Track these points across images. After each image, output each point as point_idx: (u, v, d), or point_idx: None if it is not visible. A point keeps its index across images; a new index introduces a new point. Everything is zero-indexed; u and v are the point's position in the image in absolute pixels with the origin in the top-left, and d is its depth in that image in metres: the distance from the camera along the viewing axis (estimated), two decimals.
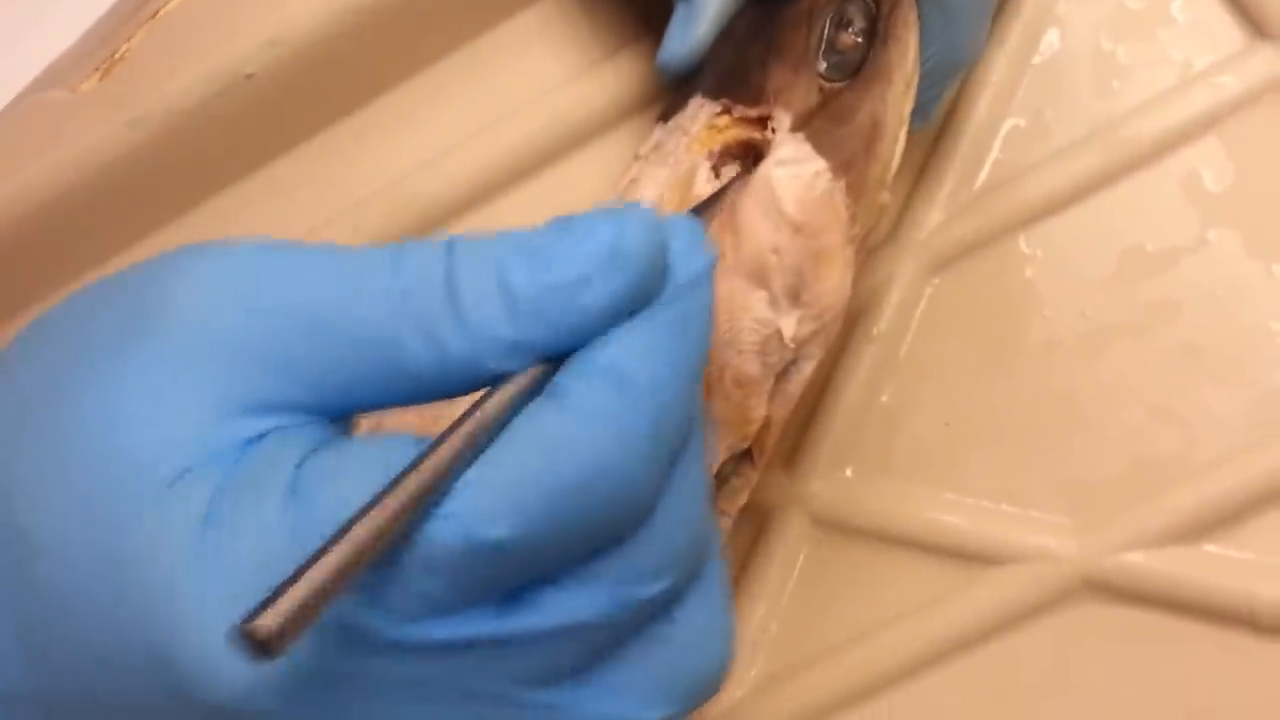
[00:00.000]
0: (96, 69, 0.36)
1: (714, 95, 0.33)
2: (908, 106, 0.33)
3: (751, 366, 0.31)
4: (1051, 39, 0.39)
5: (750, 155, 0.32)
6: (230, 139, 0.37)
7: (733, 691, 0.37)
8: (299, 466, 0.21)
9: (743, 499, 0.33)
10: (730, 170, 0.32)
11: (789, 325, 0.31)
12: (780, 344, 0.31)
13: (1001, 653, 0.36)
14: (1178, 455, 0.36)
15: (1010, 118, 0.39)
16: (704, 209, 0.28)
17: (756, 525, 0.37)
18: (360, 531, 0.20)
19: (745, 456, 0.32)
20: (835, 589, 0.37)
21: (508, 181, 0.38)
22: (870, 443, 0.37)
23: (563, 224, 0.23)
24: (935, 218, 0.38)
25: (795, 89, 0.32)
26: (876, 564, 0.37)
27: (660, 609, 0.23)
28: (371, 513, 0.20)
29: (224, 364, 0.22)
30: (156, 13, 0.36)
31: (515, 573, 0.21)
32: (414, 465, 0.21)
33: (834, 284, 0.31)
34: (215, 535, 0.21)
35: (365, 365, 0.22)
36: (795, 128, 0.31)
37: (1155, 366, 0.37)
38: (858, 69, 0.32)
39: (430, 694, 0.22)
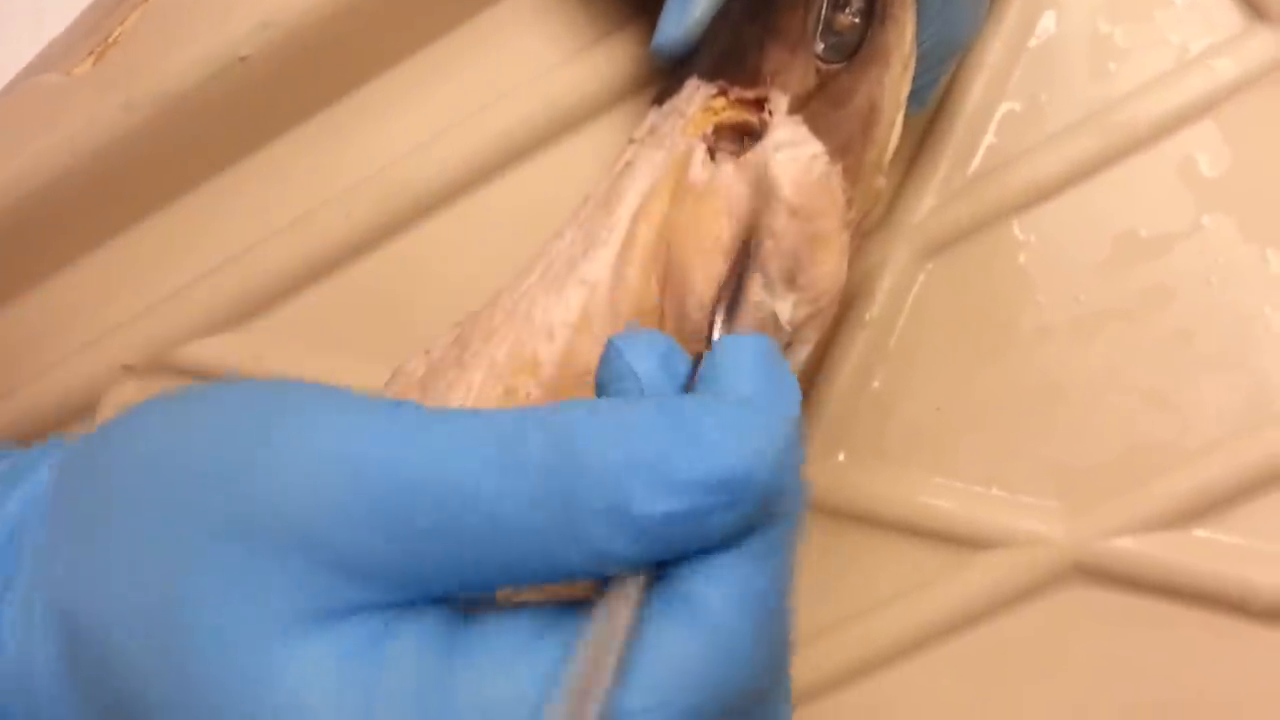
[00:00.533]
0: (90, 52, 0.36)
1: (710, 77, 0.33)
2: (905, 90, 0.33)
3: None
4: (1048, 22, 0.39)
5: (745, 137, 0.32)
6: (224, 122, 0.37)
7: None
8: (445, 654, 0.21)
9: None
10: (726, 152, 0.32)
11: (785, 309, 0.31)
12: (776, 327, 0.31)
13: (991, 636, 0.36)
14: (1169, 441, 0.36)
15: (1005, 102, 0.38)
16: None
17: None
18: None
19: None
20: (827, 573, 0.37)
21: (502, 165, 0.38)
22: (862, 428, 0.37)
23: (690, 429, 0.21)
24: (929, 203, 0.38)
25: (792, 71, 0.32)
26: (868, 548, 0.37)
27: None
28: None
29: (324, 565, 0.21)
30: None
31: None
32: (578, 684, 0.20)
33: (830, 268, 0.31)
34: None
35: (473, 554, 0.21)
36: (792, 110, 0.31)
37: (1147, 352, 0.37)
38: (855, 50, 0.32)
39: None
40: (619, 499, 0.21)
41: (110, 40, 0.36)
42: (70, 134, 0.35)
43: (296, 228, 0.38)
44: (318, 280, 0.38)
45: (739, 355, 0.24)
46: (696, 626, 0.21)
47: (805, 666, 0.37)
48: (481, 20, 0.38)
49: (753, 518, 0.22)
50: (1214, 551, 0.36)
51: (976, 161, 0.38)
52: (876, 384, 0.38)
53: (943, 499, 0.37)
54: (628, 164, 0.33)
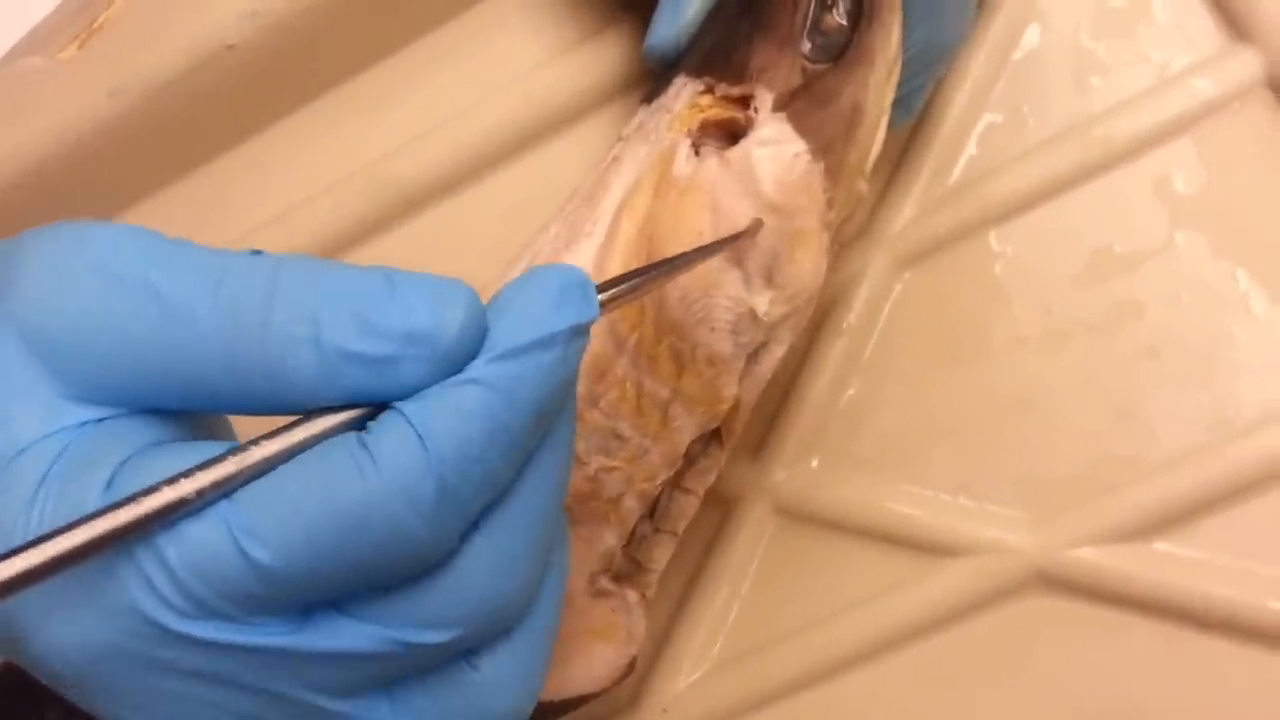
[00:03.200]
0: (76, 37, 0.35)
1: (697, 74, 0.33)
2: (889, 94, 0.33)
3: (724, 345, 0.31)
4: (1032, 35, 0.39)
5: (730, 134, 0.32)
6: (211, 111, 0.36)
7: (693, 672, 0.38)
8: (122, 464, 0.23)
9: (710, 479, 0.34)
10: (710, 147, 0.32)
11: (762, 304, 0.31)
12: (753, 323, 0.31)
13: (954, 642, 0.37)
14: (1134, 454, 0.37)
15: (987, 113, 0.39)
16: (619, 282, 0.27)
17: (721, 513, 0.38)
18: (108, 520, 0.21)
19: (714, 437, 0.33)
20: (795, 576, 0.38)
21: (491, 162, 0.38)
22: (836, 434, 0.38)
23: (393, 289, 0.23)
24: (908, 212, 0.38)
25: (779, 69, 0.32)
26: (836, 553, 0.38)
27: (460, 654, 0.25)
28: (128, 505, 0.22)
29: (70, 347, 0.23)
30: None
31: (293, 595, 0.23)
32: (195, 470, 0.22)
33: (808, 267, 0.31)
34: (38, 516, 0.22)
35: (196, 370, 0.23)
36: (777, 108, 0.32)
37: (1116, 366, 0.38)
38: (841, 52, 0.32)
39: (228, 685, 0.23)
40: (310, 331, 0.23)
41: (96, 25, 0.36)
42: (54, 120, 0.35)
43: (283, 221, 0.38)
44: None
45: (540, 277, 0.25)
46: (359, 453, 0.22)
47: (771, 667, 0.37)
48: (471, 15, 0.38)
49: (441, 374, 0.23)
50: (1175, 564, 0.36)
51: (957, 172, 0.39)
52: (851, 391, 0.38)
53: (911, 506, 0.37)
54: (615, 159, 0.33)
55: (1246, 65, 0.38)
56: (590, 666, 0.33)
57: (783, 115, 0.31)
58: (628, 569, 0.33)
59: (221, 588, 0.22)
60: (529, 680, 0.26)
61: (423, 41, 0.38)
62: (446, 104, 0.38)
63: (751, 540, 0.38)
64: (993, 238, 0.38)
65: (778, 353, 0.32)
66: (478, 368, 0.23)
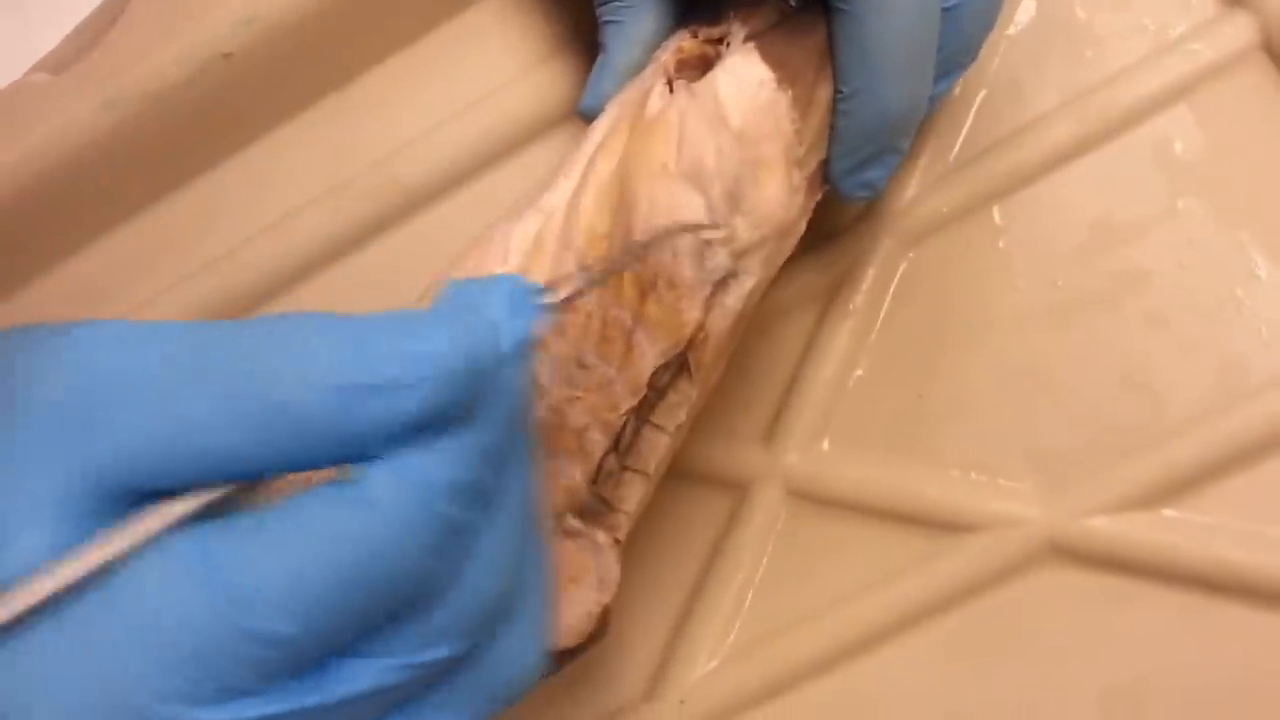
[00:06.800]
0: (75, 51, 0.35)
1: (686, 25, 0.34)
2: None
3: (685, 269, 0.31)
4: (1028, 8, 0.39)
5: (704, 69, 0.32)
6: (209, 120, 0.37)
7: (709, 661, 0.38)
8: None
9: (680, 416, 0.33)
10: (684, 84, 0.32)
11: (724, 230, 0.31)
12: (717, 250, 0.31)
13: (970, 617, 0.37)
14: (1143, 422, 0.37)
15: (984, 89, 0.39)
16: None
17: (734, 498, 0.38)
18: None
19: (682, 370, 0.33)
20: (810, 559, 0.38)
21: (489, 161, 0.38)
22: (846, 415, 0.38)
23: (356, 337, 0.23)
24: (910, 192, 0.38)
25: (758, 11, 0.33)
26: (850, 534, 0.38)
27: (463, 658, 0.25)
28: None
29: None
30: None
31: (305, 654, 0.23)
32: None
33: (772, 193, 0.31)
34: None
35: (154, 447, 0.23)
36: (747, 40, 0.32)
37: (1123, 335, 0.38)
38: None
39: None
40: (274, 395, 0.22)
41: (94, 39, 0.36)
42: (52, 133, 0.35)
43: (282, 227, 0.38)
44: (305, 278, 0.38)
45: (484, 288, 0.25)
46: (351, 498, 0.22)
47: (787, 650, 0.38)
48: (465, 18, 0.39)
49: (422, 419, 0.23)
50: (1185, 530, 0.37)
51: (956, 149, 0.39)
52: (860, 372, 0.38)
53: (923, 484, 0.38)
54: (605, 111, 0.34)
55: (1241, 30, 0.38)
56: (561, 612, 0.32)
57: (751, 46, 0.32)
58: (596, 508, 0.33)
59: (234, 667, 0.22)
60: (534, 646, 0.26)
61: (420, 44, 0.39)
62: (443, 105, 0.38)
63: (765, 525, 0.38)
64: (996, 213, 0.38)
65: (747, 284, 0.32)
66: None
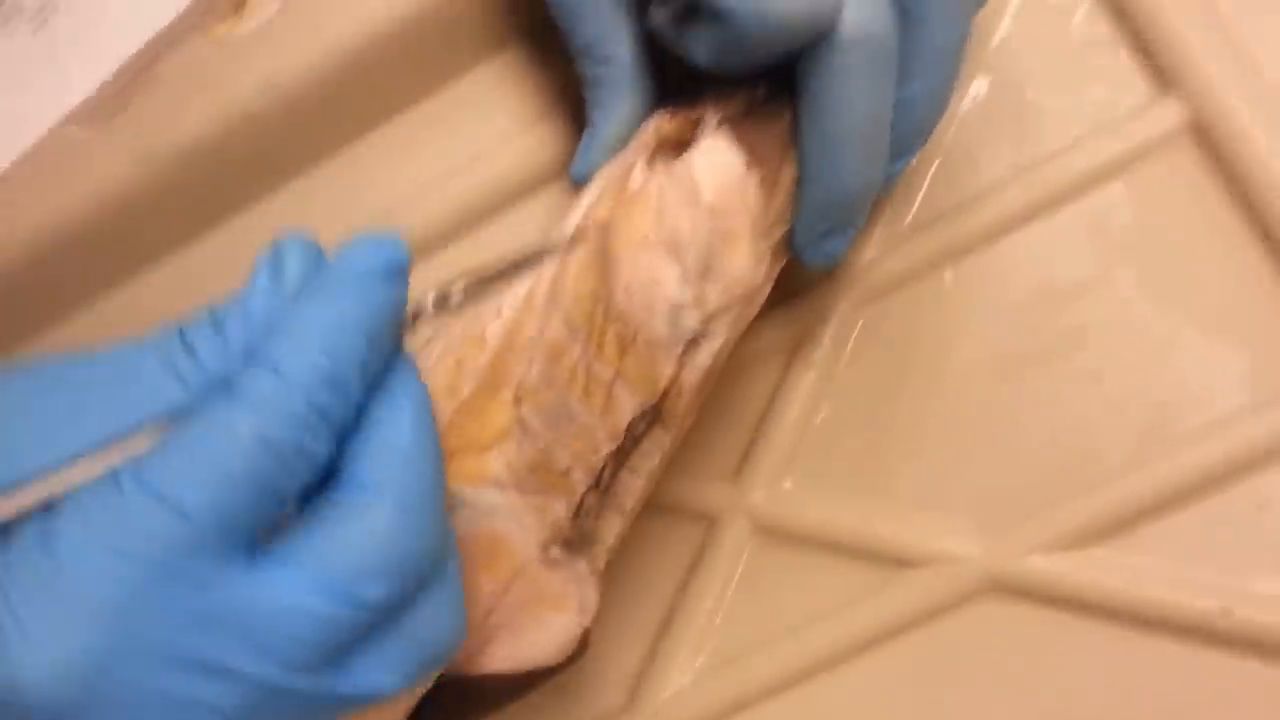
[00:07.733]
0: (112, 108, 0.38)
1: (665, 106, 0.37)
2: None
3: (660, 328, 0.34)
4: (980, 87, 0.41)
5: (681, 150, 0.35)
6: (231, 174, 0.39)
7: (680, 679, 0.41)
8: None
9: (655, 460, 0.36)
10: (663, 162, 0.35)
11: (695, 294, 0.34)
12: (688, 312, 0.34)
13: (915, 647, 0.40)
14: (1078, 468, 0.40)
15: (939, 158, 0.41)
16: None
17: (703, 531, 0.41)
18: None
19: (657, 420, 0.36)
20: (772, 590, 0.41)
21: (481, 216, 0.41)
22: (808, 457, 0.41)
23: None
24: (869, 253, 0.41)
25: (731, 99, 0.36)
26: (809, 567, 0.40)
27: (393, 613, 0.28)
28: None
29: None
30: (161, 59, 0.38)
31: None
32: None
33: (740, 263, 0.34)
34: None
35: None
36: (720, 125, 0.35)
37: (1062, 388, 0.40)
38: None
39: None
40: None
41: (124, 93, 0.38)
42: (88, 184, 0.38)
43: None
44: None
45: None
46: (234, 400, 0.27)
47: (750, 673, 0.40)
48: (464, 84, 0.41)
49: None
50: (1117, 569, 0.39)
51: (912, 214, 0.41)
52: (821, 418, 0.41)
53: (877, 522, 0.40)
54: (593, 182, 0.37)
55: (1170, 114, 0.40)
56: (544, 636, 0.35)
57: (724, 129, 0.35)
58: (577, 540, 0.36)
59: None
60: (454, 613, 0.29)
61: (421, 106, 0.41)
62: (441, 162, 0.41)
63: (732, 556, 0.41)
64: (947, 274, 0.41)
65: (716, 343, 0.35)
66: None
